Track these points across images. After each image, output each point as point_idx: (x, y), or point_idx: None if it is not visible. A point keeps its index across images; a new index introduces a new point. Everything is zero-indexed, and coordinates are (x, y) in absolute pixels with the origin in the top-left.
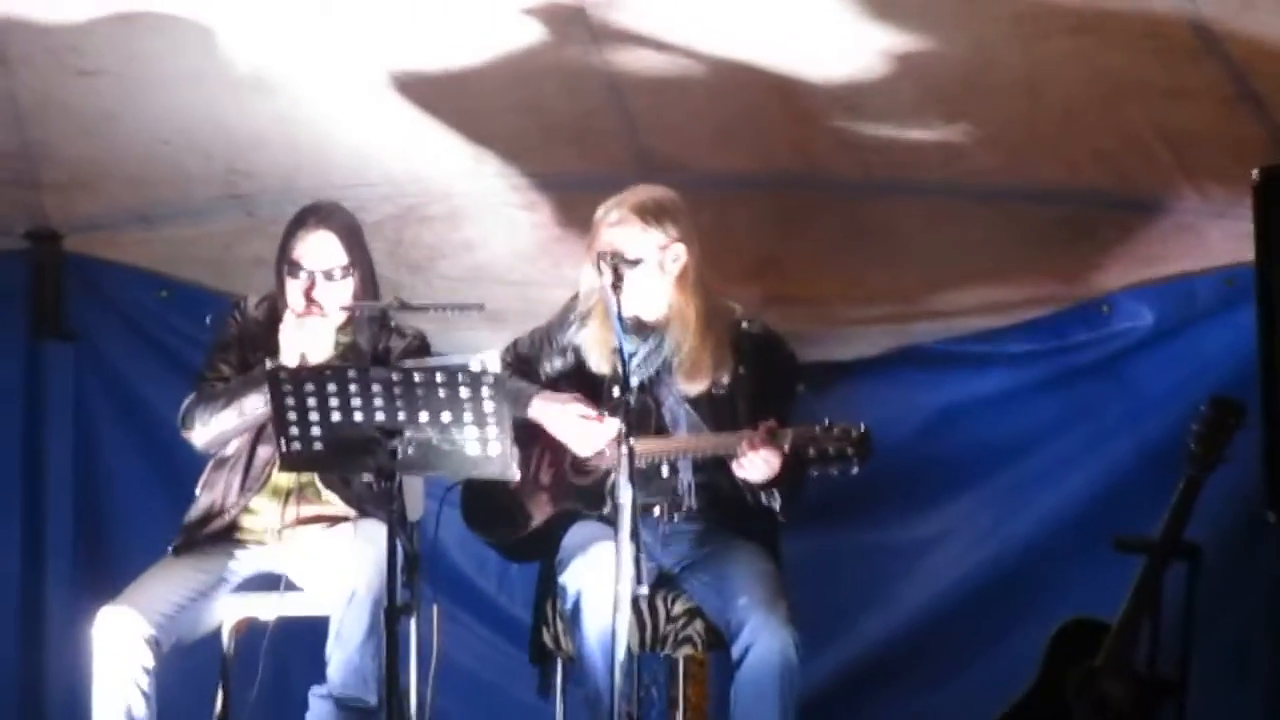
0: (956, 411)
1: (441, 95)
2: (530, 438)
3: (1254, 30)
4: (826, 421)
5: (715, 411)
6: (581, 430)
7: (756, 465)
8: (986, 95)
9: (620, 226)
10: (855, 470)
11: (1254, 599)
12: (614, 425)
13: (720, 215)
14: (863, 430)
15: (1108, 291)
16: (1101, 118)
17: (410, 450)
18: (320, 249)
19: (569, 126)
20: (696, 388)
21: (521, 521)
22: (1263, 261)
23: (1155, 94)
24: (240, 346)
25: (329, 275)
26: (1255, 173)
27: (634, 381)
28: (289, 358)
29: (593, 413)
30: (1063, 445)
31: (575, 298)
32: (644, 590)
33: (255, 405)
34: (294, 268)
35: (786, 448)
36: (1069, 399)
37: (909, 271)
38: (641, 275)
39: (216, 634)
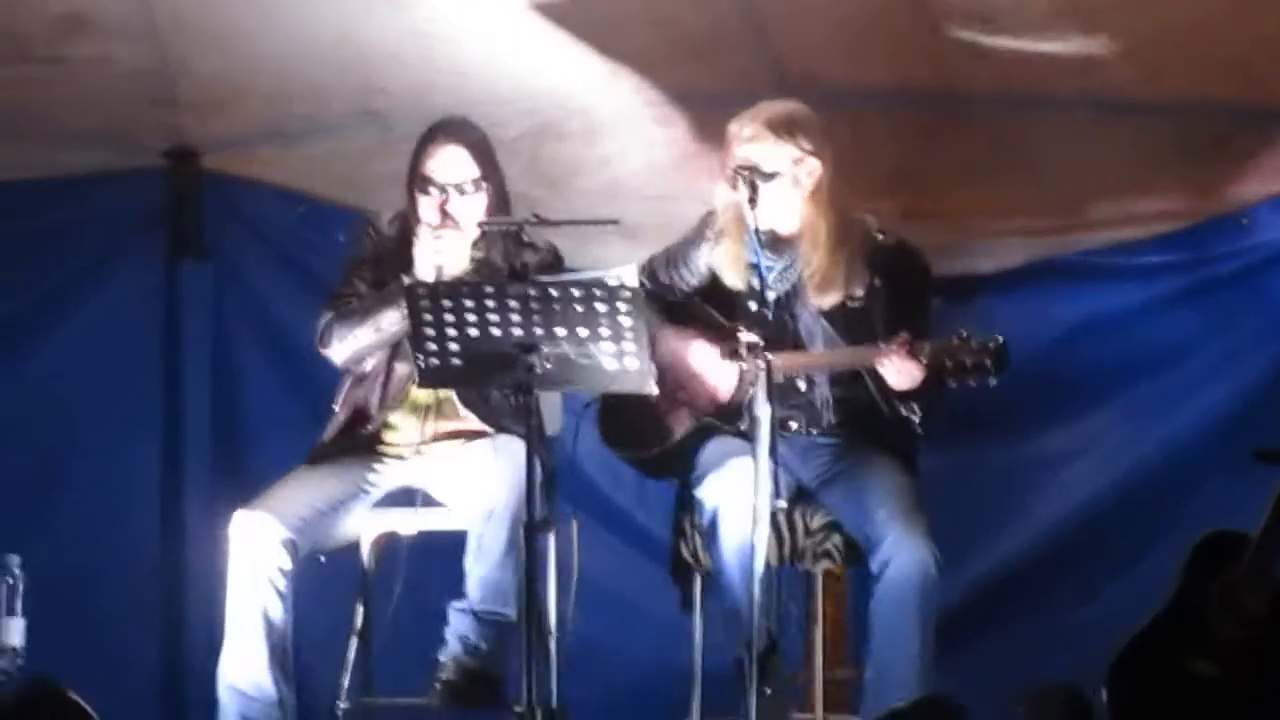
0: (1094, 324)
1: (574, 9)
2: (664, 368)
3: None
4: (964, 333)
5: (851, 325)
6: (709, 369)
7: (900, 373)
8: (1122, 6)
9: (754, 141)
10: (993, 382)
11: None
12: (733, 368)
13: (855, 129)
14: (1000, 342)
15: (1246, 203)
16: (1238, 26)
17: (548, 365)
18: (451, 163)
19: (700, 40)
20: (830, 301)
21: (658, 437)
22: None
23: None
24: (375, 263)
25: (460, 189)
26: None
27: (770, 296)
28: (425, 273)
29: (716, 350)
30: (1201, 358)
31: (710, 214)
32: (782, 504)
33: (392, 321)
34: (425, 183)
35: (924, 359)
36: (1207, 312)
37: (1045, 185)
38: (776, 189)
39: (355, 547)
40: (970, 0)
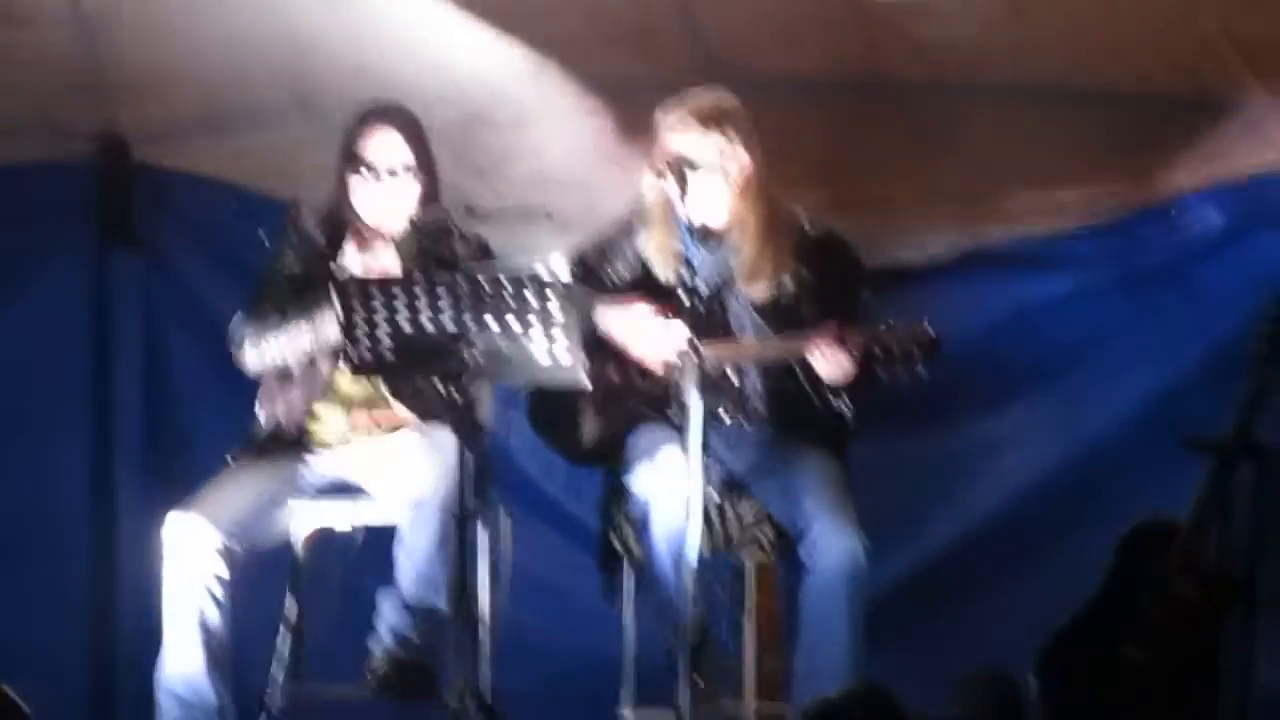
0: (1025, 313)
1: (500, 2)
2: (595, 343)
3: None
4: (892, 322)
5: (781, 316)
6: (649, 334)
7: (830, 364)
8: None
9: (681, 131)
10: (922, 372)
11: None
12: (681, 328)
13: (785, 119)
14: (928, 331)
15: (1175, 193)
16: (1170, 18)
17: (479, 358)
18: (385, 146)
19: (630, 29)
20: (760, 293)
21: (586, 426)
22: None
23: None
24: (299, 263)
25: (393, 173)
26: None
27: (701, 288)
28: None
29: (656, 314)
30: (1131, 346)
31: (636, 203)
32: (713, 495)
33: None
34: (357, 163)
35: (855, 349)
36: (1136, 301)
37: (977, 174)
38: (704, 181)
39: (287, 543)
40: None
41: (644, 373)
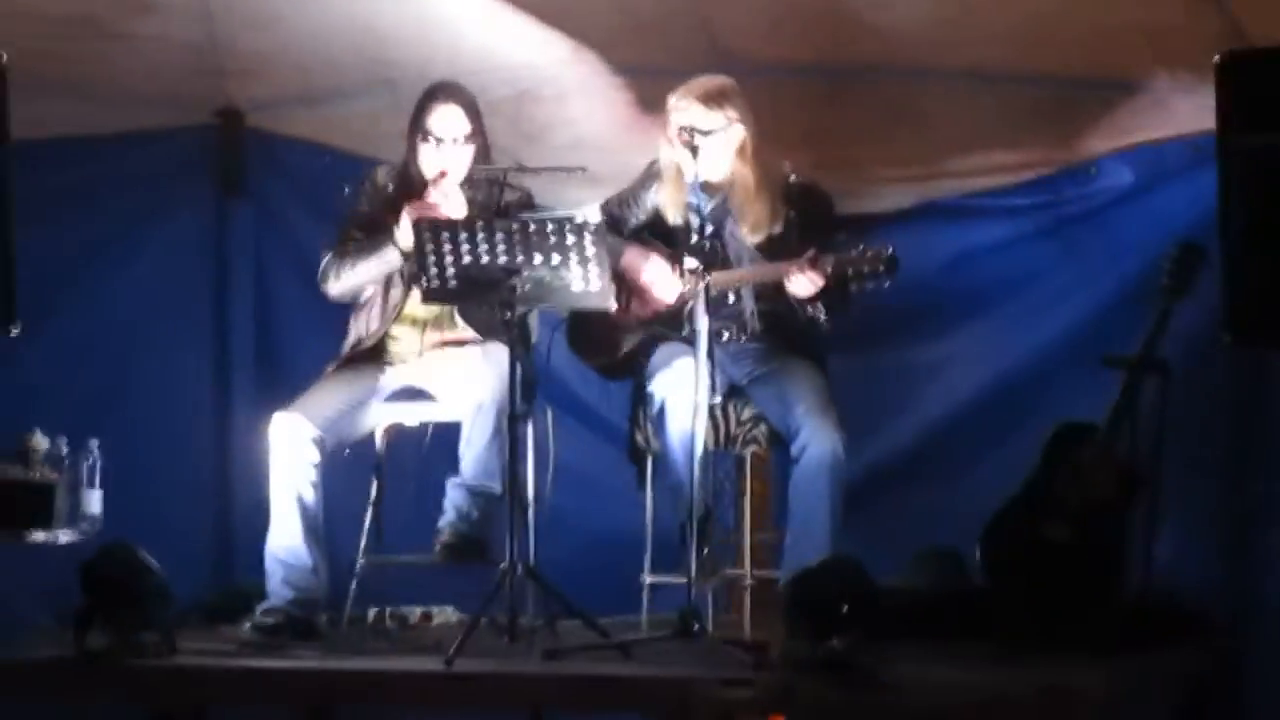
0: (969, 254)
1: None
2: (621, 278)
3: None
4: (861, 246)
5: (772, 250)
6: (661, 276)
7: (803, 283)
8: None
9: (688, 111)
10: (886, 284)
11: (1215, 408)
12: (686, 269)
13: (775, 95)
14: (890, 251)
15: (1094, 156)
16: (1088, 13)
17: (527, 287)
18: (448, 119)
19: (650, 22)
20: (757, 236)
21: (614, 346)
22: (1222, 130)
23: None
24: (370, 213)
25: (455, 141)
26: (1216, 57)
27: (701, 228)
28: (405, 240)
29: (668, 265)
30: (1057, 282)
31: (653, 164)
32: (717, 399)
33: (391, 256)
34: (425, 134)
35: (828, 269)
36: (1062, 244)
37: (931, 140)
38: (710, 146)
39: (371, 437)
40: None
41: (647, 308)
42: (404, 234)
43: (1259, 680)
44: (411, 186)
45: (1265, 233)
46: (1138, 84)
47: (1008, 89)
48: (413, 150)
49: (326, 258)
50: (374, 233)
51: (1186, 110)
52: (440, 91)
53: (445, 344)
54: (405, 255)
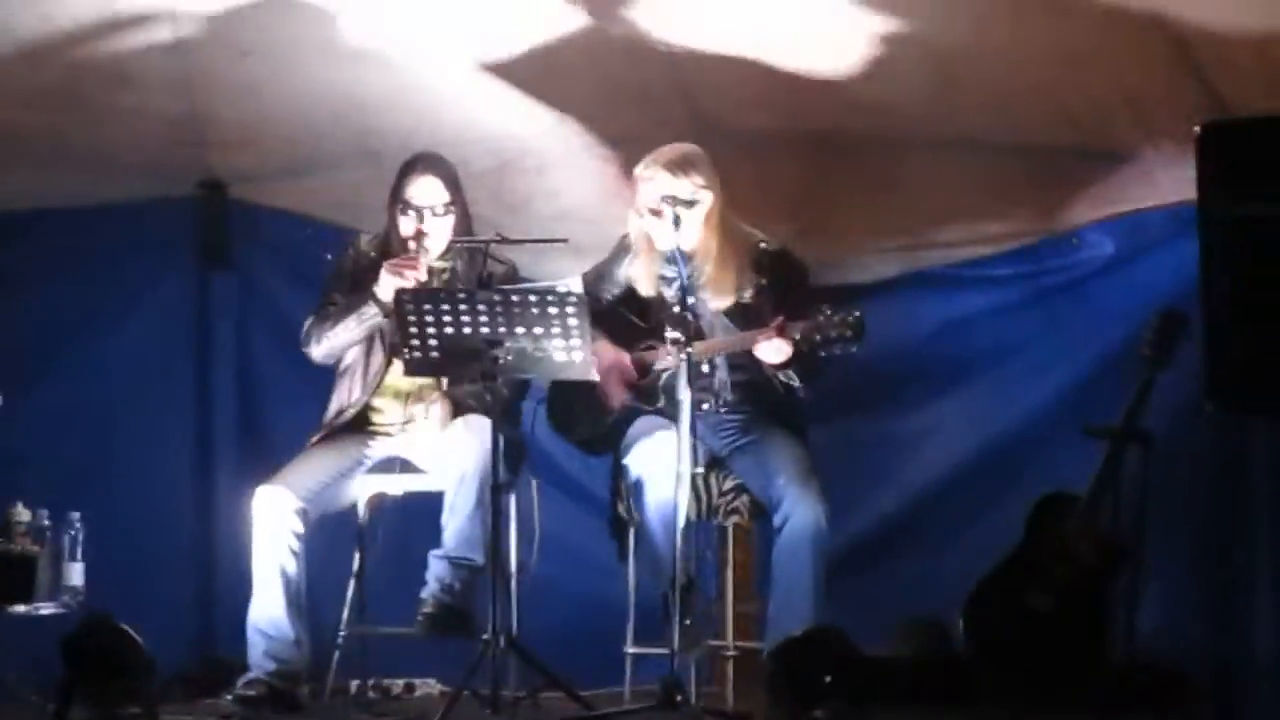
0: (953, 324)
1: (526, 71)
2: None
3: (1198, 14)
4: (828, 310)
5: (745, 319)
6: (608, 384)
7: (771, 350)
8: (975, 67)
9: (654, 181)
10: (854, 349)
11: (1198, 476)
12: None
13: (759, 165)
14: (857, 315)
15: (1076, 226)
16: (1072, 85)
17: (509, 358)
18: (427, 189)
19: (632, 93)
20: (724, 302)
21: (591, 423)
22: (1203, 200)
23: (1117, 65)
24: (353, 278)
25: (434, 211)
26: (1197, 128)
27: (681, 298)
28: (385, 295)
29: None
30: (1040, 351)
31: (624, 237)
32: (699, 470)
33: (371, 313)
34: (405, 206)
35: (796, 335)
36: (1045, 313)
37: (915, 211)
38: (686, 215)
39: (353, 509)
40: (852, 67)
41: (638, 371)
42: (383, 289)
43: None
44: (392, 255)
45: (1246, 301)
46: (1121, 155)
47: (991, 158)
48: (393, 221)
49: (309, 321)
50: (353, 298)
51: (1168, 180)
52: (419, 162)
53: (426, 416)
54: (385, 312)
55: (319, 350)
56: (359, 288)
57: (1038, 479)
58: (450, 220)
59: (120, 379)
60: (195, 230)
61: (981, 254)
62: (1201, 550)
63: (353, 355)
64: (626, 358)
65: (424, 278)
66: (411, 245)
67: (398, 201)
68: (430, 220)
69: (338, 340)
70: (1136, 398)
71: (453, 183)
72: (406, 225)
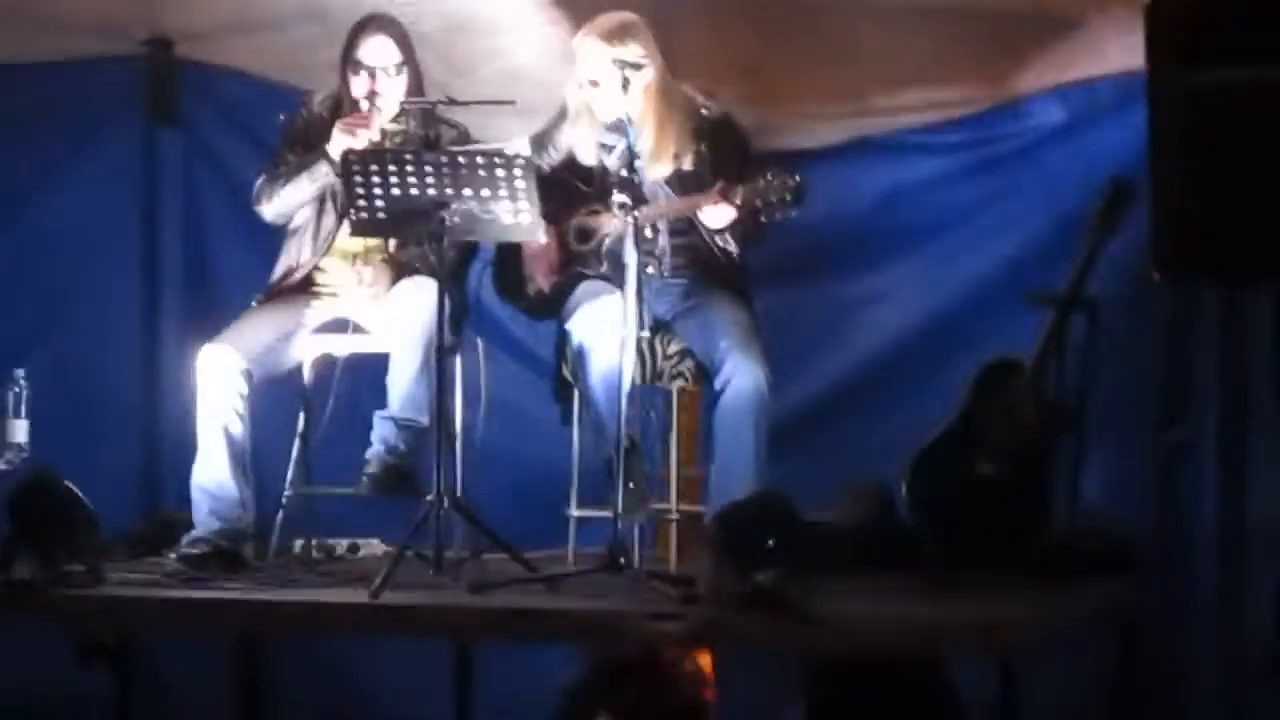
0: (901, 190)
1: None
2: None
3: None
4: (769, 175)
5: (685, 185)
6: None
7: (715, 215)
8: None
9: (591, 51)
10: (794, 214)
11: (1144, 345)
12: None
13: (708, 27)
14: (797, 179)
15: (1025, 94)
16: None
17: (456, 220)
18: (379, 49)
19: None
20: (663, 169)
21: (535, 287)
22: (1152, 69)
23: None
24: (305, 137)
25: (386, 71)
26: None
27: (621, 162)
28: (337, 153)
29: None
30: (988, 218)
31: (564, 107)
32: (645, 334)
33: (324, 171)
34: (356, 66)
35: (738, 200)
36: (994, 181)
37: (863, 75)
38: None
39: (299, 369)
40: None
41: (579, 236)
42: (336, 147)
43: (1187, 615)
44: (344, 115)
45: (1194, 170)
46: (1071, 21)
47: (941, 24)
48: (344, 81)
49: (260, 180)
50: (305, 156)
51: (1118, 48)
52: (371, 22)
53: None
54: (337, 171)
55: (270, 209)
56: (311, 147)
57: (984, 346)
58: (403, 80)
59: (66, 237)
60: (142, 88)
61: (929, 121)
62: (1146, 419)
63: (303, 216)
64: (557, 240)
65: (377, 137)
66: (364, 105)
67: (349, 61)
68: (383, 80)
69: (290, 199)
70: (1082, 264)
71: (405, 43)
72: (359, 85)
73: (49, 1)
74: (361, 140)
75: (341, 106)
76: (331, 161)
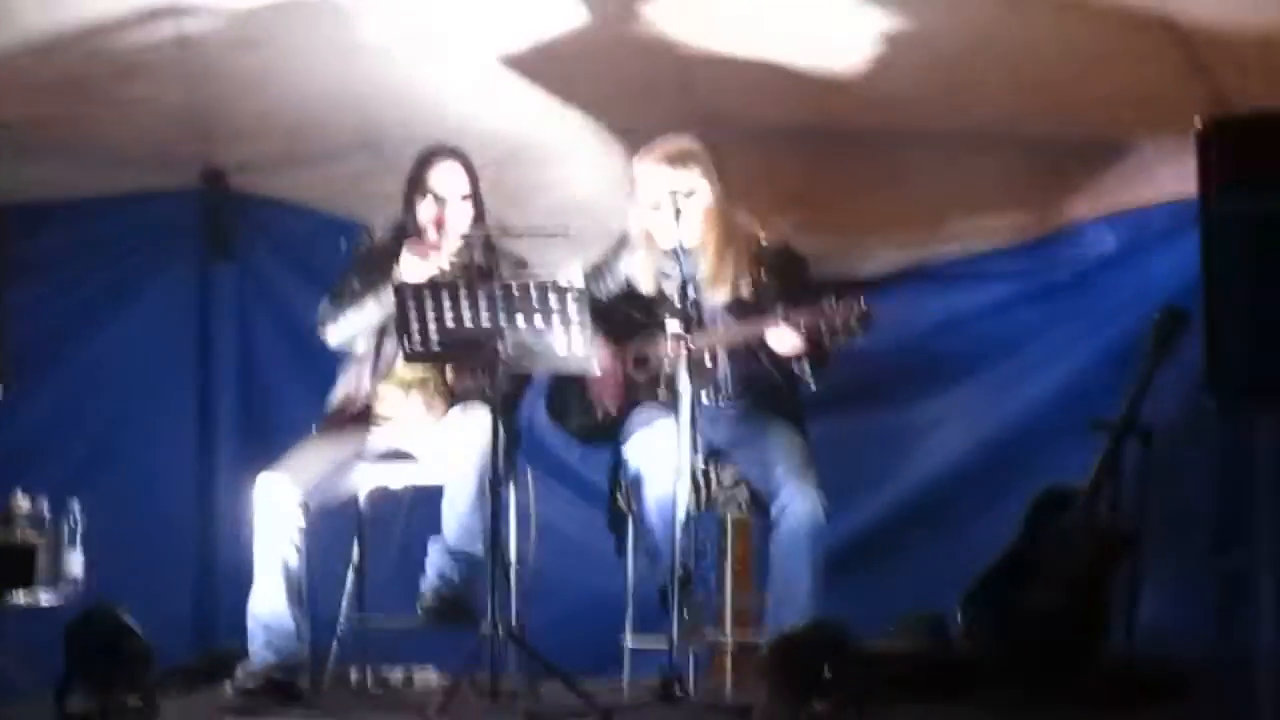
0: (956, 318)
1: (530, 64)
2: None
3: (1202, 12)
4: (833, 301)
5: (746, 314)
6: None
7: (780, 340)
8: (979, 62)
9: (651, 176)
10: (859, 339)
11: (1195, 471)
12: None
13: (765, 159)
14: (863, 306)
15: (1078, 221)
16: (1075, 81)
17: (510, 350)
18: (450, 177)
19: (637, 86)
20: (722, 296)
21: (590, 414)
22: (1204, 196)
23: (1119, 61)
24: (369, 264)
25: (454, 199)
26: (1197, 121)
27: (683, 291)
28: (407, 276)
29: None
30: (1042, 346)
31: (624, 234)
32: (700, 462)
33: (391, 297)
34: (425, 192)
35: (803, 325)
36: (1047, 308)
37: (918, 204)
38: (687, 208)
39: (354, 500)
40: (856, 64)
41: (636, 364)
42: (406, 270)
43: None
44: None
45: (1246, 297)
46: (1122, 148)
47: (994, 153)
48: (410, 208)
49: (324, 303)
50: (372, 282)
51: (1170, 175)
52: (441, 150)
53: (429, 406)
54: None
55: (335, 333)
56: (376, 273)
57: (1040, 472)
58: (468, 210)
59: (123, 369)
60: (198, 221)
61: (983, 249)
62: (1201, 546)
63: (365, 343)
64: (621, 365)
65: (445, 265)
66: (430, 231)
67: (417, 187)
68: (451, 208)
69: (355, 323)
70: (1136, 391)
71: (472, 173)
72: (425, 211)
73: (106, 136)
74: (431, 265)
75: (405, 234)
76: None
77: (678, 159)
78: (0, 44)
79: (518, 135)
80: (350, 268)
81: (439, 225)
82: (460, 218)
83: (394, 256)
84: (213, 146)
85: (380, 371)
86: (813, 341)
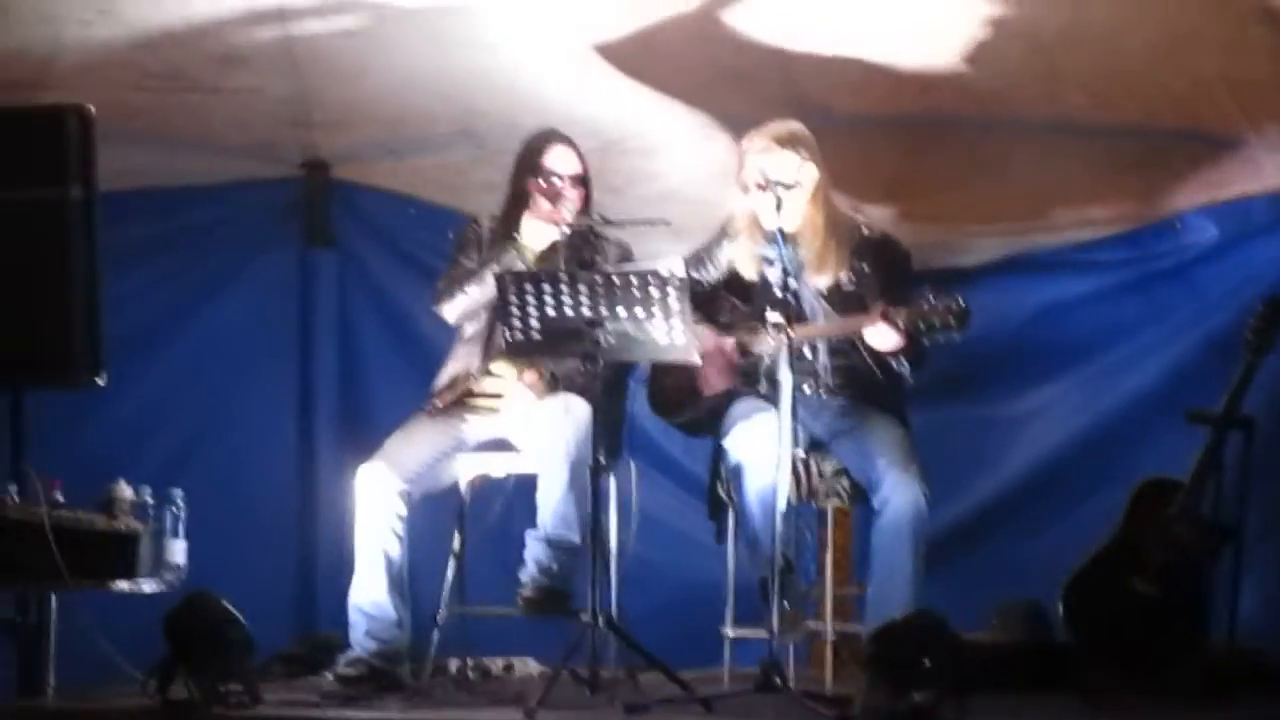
0: (1056, 308)
1: (633, 54)
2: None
3: None
4: (931, 299)
5: (845, 303)
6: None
7: (878, 337)
8: (1079, 50)
9: (765, 153)
10: (958, 337)
11: None
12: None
13: (862, 147)
14: (961, 303)
15: (1179, 211)
16: (1173, 66)
17: (610, 340)
18: (565, 158)
19: (737, 76)
20: (825, 282)
21: (692, 405)
22: None
23: (1220, 49)
24: (481, 242)
25: (568, 180)
26: None
27: (783, 282)
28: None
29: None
30: (1143, 337)
31: (726, 222)
32: (800, 453)
33: (511, 258)
34: (539, 171)
35: (901, 323)
36: (1148, 299)
37: (1017, 194)
38: (789, 196)
39: (454, 487)
40: (955, 49)
41: (740, 353)
42: (528, 235)
43: None
44: (516, 228)
45: None
46: (1223, 139)
47: (1094, 142)
48: (521, 189)
49: (441, 281)
50: (485, 260)
51: (1272, 165)
52: (553, 134)
53: (536, 389)
54: (525, 262)
55: (452, 308)
56: (493, 249)
57: (1139, 464)
58: (579, 194)
59: (224, 357)
60: (299, 209)
61: (1084, 238)
62: None
63: (477, 323)
64: (728, 343)
65: (568, 231)
66: (546, 206)
67: (532, 169)
68: (567, 188)
69: (475, 297)
70: (1239, 383)
71: (583, 159)
72: (540, 191)
73: (209, 126)
74: (554, 231)
75: (517, 212)
76: (520, 250)
77: (786, 140)
78: (108, 37)
79: (618, 125)
80: (457, 248)
81: (555, 199)
82: (572, 200)
83: (510, 233)
84: (313, 135)
85: (492, 351)
86: (910, 339)
